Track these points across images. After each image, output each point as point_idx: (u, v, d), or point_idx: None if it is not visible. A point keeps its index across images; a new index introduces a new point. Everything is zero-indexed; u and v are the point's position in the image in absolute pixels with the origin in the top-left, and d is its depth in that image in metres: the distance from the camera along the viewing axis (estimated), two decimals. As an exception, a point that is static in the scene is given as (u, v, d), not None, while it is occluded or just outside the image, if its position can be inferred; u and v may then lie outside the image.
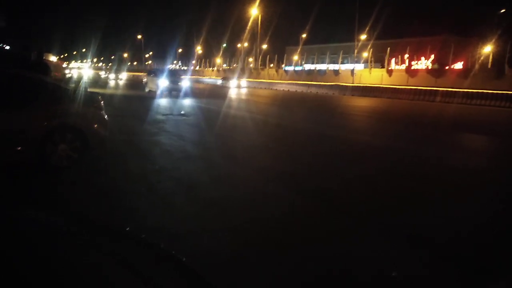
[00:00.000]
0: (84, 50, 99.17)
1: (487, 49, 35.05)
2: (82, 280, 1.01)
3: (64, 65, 47.05)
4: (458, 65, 37.21)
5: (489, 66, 32.33)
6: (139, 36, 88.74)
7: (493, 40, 34.43)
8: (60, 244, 1.21)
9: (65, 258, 1.12)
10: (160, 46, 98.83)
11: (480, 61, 33.26)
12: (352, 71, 41.13)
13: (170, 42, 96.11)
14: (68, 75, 29.20)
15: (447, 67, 35.36)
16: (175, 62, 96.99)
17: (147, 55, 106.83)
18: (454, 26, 42.61)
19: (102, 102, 6.59)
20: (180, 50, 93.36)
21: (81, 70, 57.11)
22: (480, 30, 38.01)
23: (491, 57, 33.37)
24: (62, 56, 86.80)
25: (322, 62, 52.68)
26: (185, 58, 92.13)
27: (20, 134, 5.35)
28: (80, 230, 1.37)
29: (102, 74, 55.23)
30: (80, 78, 28.80)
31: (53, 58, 27.87)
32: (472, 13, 42.08)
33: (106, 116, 6.51)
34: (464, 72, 31.81)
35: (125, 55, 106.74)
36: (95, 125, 6.22)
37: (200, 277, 1.19)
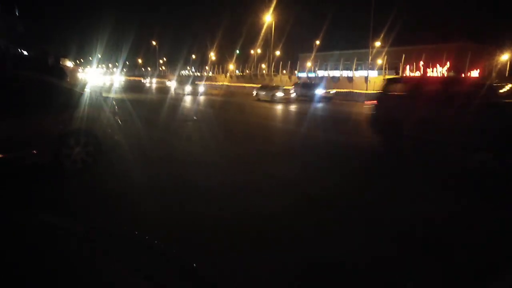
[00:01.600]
0: (98, 55, 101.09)
1: (505, 57, 34.45)
2: (77, 279, 1.01)
3: (80, 70, 48.12)
4: (475, 73, 36.67)
5: (507, 74, 31.79)
6: (154, 42, 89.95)
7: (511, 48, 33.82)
8: (64, 245, 1.20)
9: (67, 259, 1.12)
10: (173, 52, 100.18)
11: (497, 69, 32.71)
12: (366, 78, 40.87)
13: (183, 48, 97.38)
14: (83, 80, 30.24)
15: (462, 75, 34.87)
16: (188, 68, 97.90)
17: (161, 61, 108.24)
18: (471, 33, 42.01)
19: (116, 107, 6.63)
20: (193, 56, 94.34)
21: (104, 77, 59.32)
22: (498, 38, 37.39)
23: (508, 65, 32.80)
24: (78, 62, 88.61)
25: (336, 69, 52.48)
26: (198, 64, 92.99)
27: (35, 137, 5.40)
28: (86, 232, 1.37)
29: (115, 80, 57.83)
30: (95, 84, 30.46)
31: (69, 64, 28.44)
32: (490, 21, 41.46)
33: (119, 121, 6.55)
34: (481, 80, 31.33)
35: (140, 60, 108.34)
36: (109, 130, 6.26)
37: (201, 276, 1.19)
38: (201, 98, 30.41)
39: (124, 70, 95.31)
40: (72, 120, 5.77)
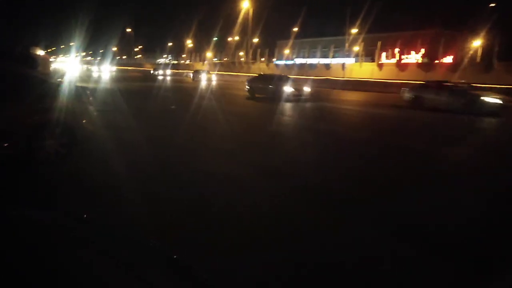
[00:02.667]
0: (71, 44, 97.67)
1: (477, 43, 35.37)
2: (75, 279, 0.99)
3: (52, 59, 46.52)
4: (448, 59, 37.55)
5: (478, 60, 32.69)
6: (129, 30, 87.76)
7: (483, 34, 34.73)
8: (51, 242, 1.18)
9: (56, 256, 1.09)
10: (150, 39, 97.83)
11: (469, 55, 33.58)
12: (343, 65, 41.25)
13: (159, 36, 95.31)
14: (56, 69, 29.52)
15: (437, 61, 35.65)
16: (165, 56, 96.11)
17: (136, 49, 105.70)
18: (445, 20, 42.85)
19: (90, 97, 6.49)
20: (170, 44, 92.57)
21: (71, 64, 57.92)
22: (470, 24, 38.27)
23: (480, 51, 33.72)
24: (49, 50, 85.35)
25: (313, 56, 52.71)
26: (175, 51, 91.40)
27: (6, 129, 5.25)
28: (71, 227, 1.34)
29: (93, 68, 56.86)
30: (69, 73, 29.74)
31: (40, 52, 27.42)
32: (463, 8, 42.33)
33: (94, 111, 6.43)
34: (454, 66, 32.12)
35: (115, 48, 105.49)
36: (83, 121, 6.14)
37: (194, 275, 1.17)
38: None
39: (92, 58, 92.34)
40: (45, 111, 5.62)
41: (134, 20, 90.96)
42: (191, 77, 44.01)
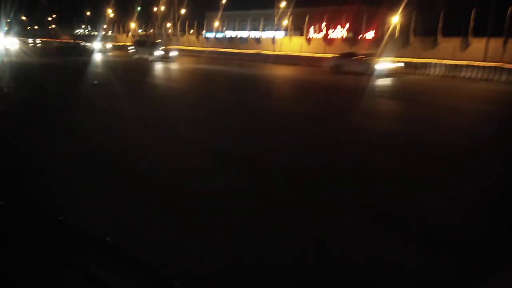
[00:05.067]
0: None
1: (395, 19, 37.55)
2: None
3: None
4: (370, 34, 39.48)
5: (396, 35, 34.80)
6: (39, -4, 78.75)
7: (400, 10, 36.88)
8: None
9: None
10: (65, 8, 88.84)
11: (389, 31, 35.58)
12: (273, 39, 41.41)
13: (76, 4, 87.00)
14: None
15: (360, 36, 37.28)
16: (83, 26, 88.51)
17: (49, 19, 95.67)
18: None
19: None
20: (88, 13, 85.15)
21: None
22: (390, 1, 40.41)
23: (398, 27, 35.89)
24: None
25: (243, 29, 52.09)
26: (96, 22, 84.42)
27: None
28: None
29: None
30: None
31: None
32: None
33: (5, 88, 5.62)
34: (375, 41, 33.88)
35: (24, 18, 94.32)
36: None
37: (157, 275, 1.03)
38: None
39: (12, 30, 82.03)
40: None
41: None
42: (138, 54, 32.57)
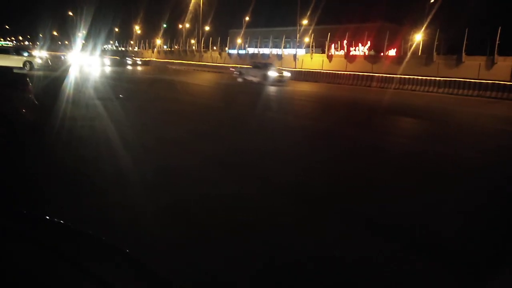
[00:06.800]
0: (7, 27, 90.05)
1: (418, 37, 37.30)
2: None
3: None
4: (392, 52, 39.27)
5: (420, 53, 34.52)
6: (70, 13, 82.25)
7: (423, 29, 36.66)
8: None
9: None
10: (95, 24, 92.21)
11: (411, 48, 35.35)
12: (295, 56, 41.77)
13: (105, 21, 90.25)
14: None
15: (382, 54, 37.16)
16: (111, 42, 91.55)
17: (80, 34, 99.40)
18: (389, 13, 44.71)
19: (30, 85, 5.99)
20: (116, 30, 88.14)
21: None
22: (412, 19, 40.24)
23: (421, 44, 35.61)
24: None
25: (265, 46, 52.75)
26: (123, 38, 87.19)
27: None
28: (19, 226, 1.16)
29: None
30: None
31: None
32: (406, 2, 44.34)
33: (35, 100, 5.95)
34: (398, 59, 33.67)
35: (55, 33, 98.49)
36: (23, 110, 5.66)
37: (154, 273, 1.06)
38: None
39: (30, 43, 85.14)
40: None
41: (78, 3, 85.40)
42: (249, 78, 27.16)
